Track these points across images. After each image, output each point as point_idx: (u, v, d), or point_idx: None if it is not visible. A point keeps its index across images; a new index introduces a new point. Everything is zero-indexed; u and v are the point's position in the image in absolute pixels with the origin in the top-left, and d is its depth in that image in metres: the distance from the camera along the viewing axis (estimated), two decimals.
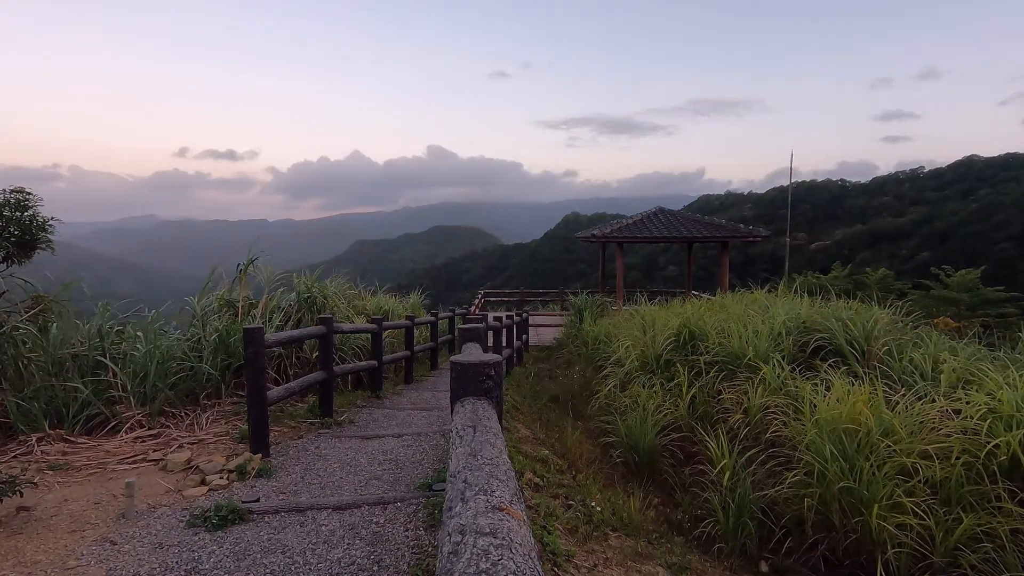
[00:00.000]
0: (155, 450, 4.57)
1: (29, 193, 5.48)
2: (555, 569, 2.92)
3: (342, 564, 2.86)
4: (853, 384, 4.80)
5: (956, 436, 4.09)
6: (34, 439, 4.61)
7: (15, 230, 5.33)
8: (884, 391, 4.58)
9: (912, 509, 3.76)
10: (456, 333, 12.64)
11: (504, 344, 10.70)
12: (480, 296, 22.54)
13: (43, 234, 5.54)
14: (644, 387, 6.49)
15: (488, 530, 1.09)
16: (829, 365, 5.60)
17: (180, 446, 4.65)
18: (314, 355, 6.87)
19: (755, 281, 11.53)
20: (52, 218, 5.59)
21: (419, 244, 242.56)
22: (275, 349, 6.54)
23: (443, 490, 3.07)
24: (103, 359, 5.32)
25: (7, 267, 5.60)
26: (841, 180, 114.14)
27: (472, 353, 3.20)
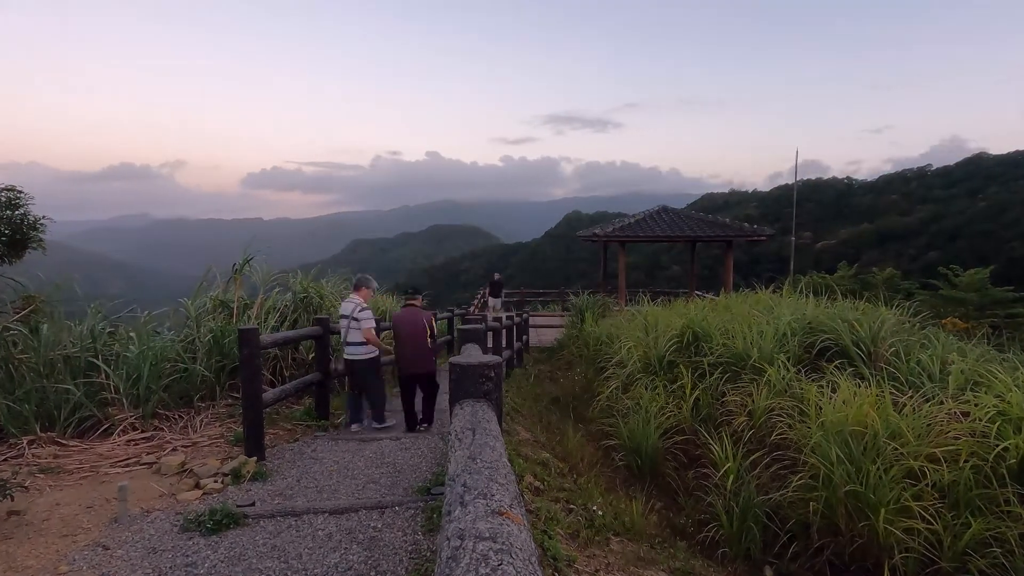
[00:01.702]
0: (148, 453, 4.51)
1: (20, 191, 5.41)
2: (556, 574, 2.85)
3: (339, 569, 2.81)
4: (859, 386, 4.73)
5: (964, 439, 4.03)
6: (25, 442, 4.55)
7: (5, 229, 5.27)
8: (891, 393, 4.52)
9: (919, 513, 3.70)
10: (455, 334, 12.58)
11: (504, 345, 10.63)
12: (480, 296, 22.47)
13: (34, 233, 5.48)
14: (646, 389, 6.42)
15: (488, 534, 1.07)
16: (835, 367, 5.52)
17: (174, 449, 4.59)
18: (310, 356, 6.80)
19: (760, 281, 11.47)
20: (44, 217, 5.52)
21: (418, 243, 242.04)
22: (271, 350, 6.47)
23: (442, 494, 3.00)
24: (95, 360, 5.26)
25: None
26: (847, 178, 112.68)
27: (471, 354, 3.16)
